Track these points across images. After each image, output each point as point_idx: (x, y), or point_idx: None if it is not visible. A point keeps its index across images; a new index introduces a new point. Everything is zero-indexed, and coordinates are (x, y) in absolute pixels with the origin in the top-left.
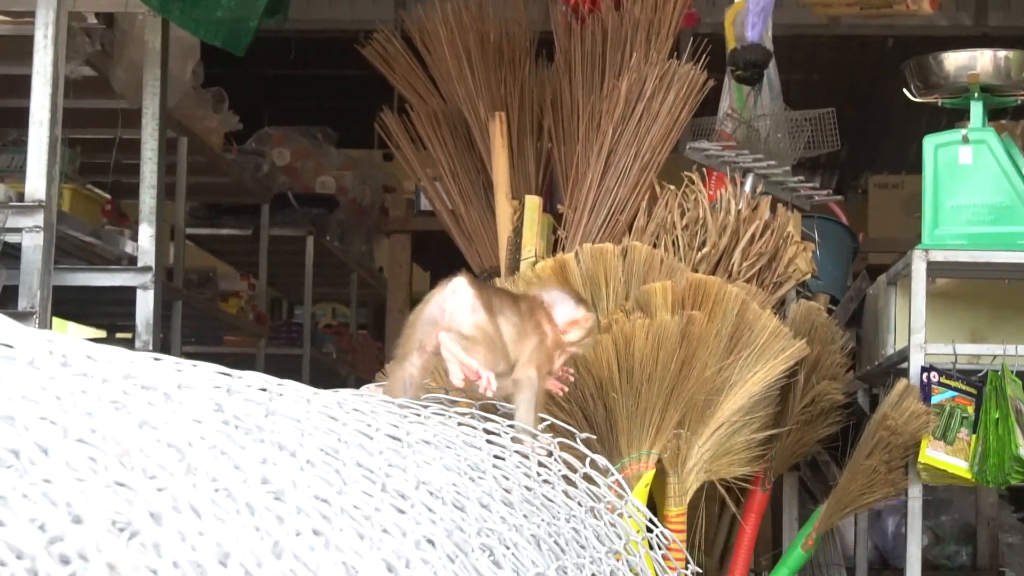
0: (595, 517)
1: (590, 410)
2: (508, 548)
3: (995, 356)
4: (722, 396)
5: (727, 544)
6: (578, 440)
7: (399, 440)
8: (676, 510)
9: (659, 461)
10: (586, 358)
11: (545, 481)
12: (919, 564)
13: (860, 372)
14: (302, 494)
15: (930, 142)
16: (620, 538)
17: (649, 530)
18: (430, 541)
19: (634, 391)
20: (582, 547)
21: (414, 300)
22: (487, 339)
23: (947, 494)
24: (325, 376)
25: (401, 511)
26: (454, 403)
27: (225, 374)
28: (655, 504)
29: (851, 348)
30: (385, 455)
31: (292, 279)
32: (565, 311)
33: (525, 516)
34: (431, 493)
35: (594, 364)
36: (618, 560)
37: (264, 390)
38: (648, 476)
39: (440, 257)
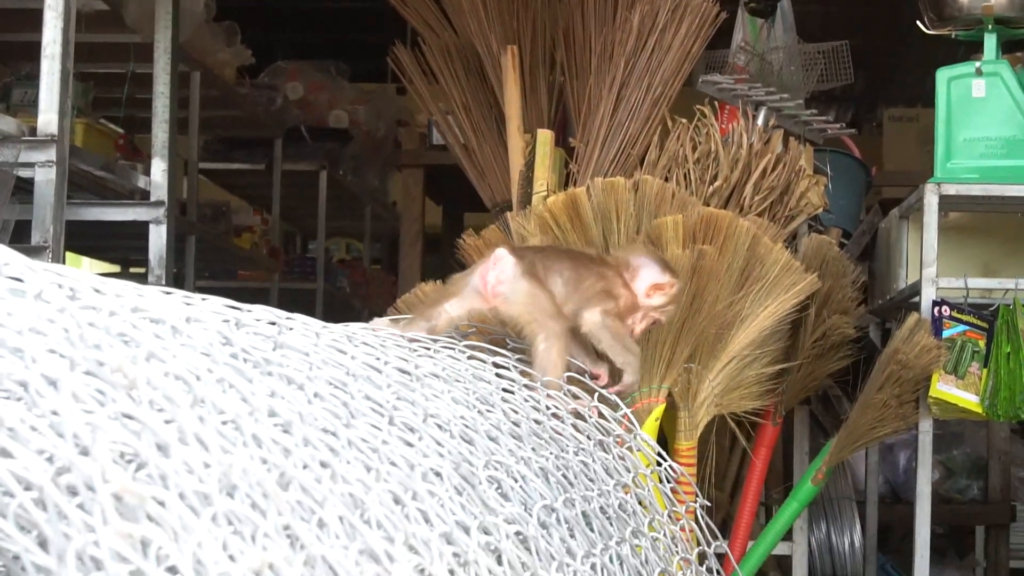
0: (604, 450)
1: None
2: (516, 480)
3: (1007, 290)
4: (733, 330)
5: (738, 477)
6: (587, 376)
7: (408, 373)
8: (687, 444)
9: (670, 395)
10: None
11: (554, 415)
12: (929, 498)
13: (872, 306)
14: (309, 427)
15: (943, 75)
16: (629, 471)
17: (658, 463)
18: (437, 473)
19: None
20: (591, 480)
21: (427, 234)
22: (537, 303)
23: (959, 428)
24: (339, 310)
25: (409, 444)
26: (465, 336)
27: (234, 308)
28: (666, 438)
29: (863, 282)
30: (393, 388)
31: (306, 213)
32: (650, 275)
33: (533, 449)
34: (439, 426)
35: None
36: (627, 493)
37: (273, 324)
38: (659, 410)
39: (453, 191)
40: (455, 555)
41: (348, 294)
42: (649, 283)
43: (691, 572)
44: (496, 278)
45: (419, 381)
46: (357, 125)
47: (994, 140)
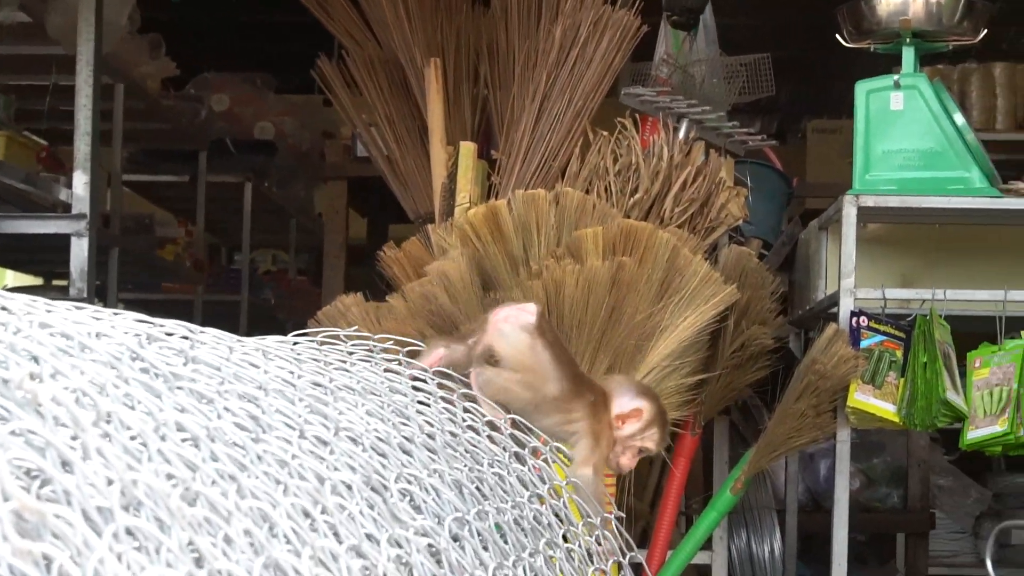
0: (520, 462)
1: None
2: (428, 493)
3: (924, 300)
4: (652, 341)
5: (658, 487)
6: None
7: (322, 387)
8: None
9: None
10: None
11: (470, 427)
12: (846, 506)
13: (792, 317)
14: (218, 442)
15: (862, 87)
16: (544, 482)
17: None
18: (348, 486)
19: (564, 337)
20: (505, 492)
21: (351, 246)
22: (532, 359)
23: (879, 437)
24: (263, 322)
25: (320, 458)
26: (383, 349)
27: (145, 322)
28: None
29: (782, 293)
30: (306, 402)
31: (231, 225)
32: (621, 404)
33: (447, 462)
34: (352, 439)
35: None
36: (542, 504)
37: (185, 338)
38: None
39: (377, 203)
40: (364, 569)
41: (273, 306)
42: (616, 414)
43: None
44: (508, 315)
45: (332, 395)
46: (283, 137)
47: (912, 152)
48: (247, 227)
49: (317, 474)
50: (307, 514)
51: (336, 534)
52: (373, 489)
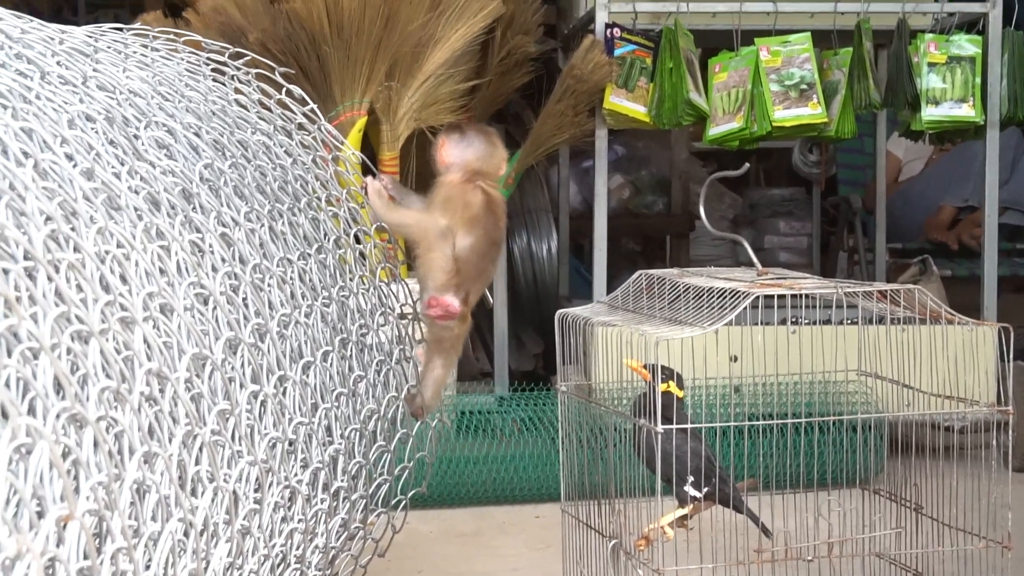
0: (287, 136)
1: (304, 61)
2: (186, 147)
3: (670, 13)
4: (428, 51)
5: None
6: (276, 74)
7: (87, 55)
8: (390, 154)
9: (373, 111)
10: (299, 14)
11: (237, 102)
12: (605, 200)
13: (560, 39)
14: None
15: None
16: (308, 152)
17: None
18: (90, 118)
19: (344, 44)
20: (270, 158)
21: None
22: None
23: (646, 152)
24: None
25: (65, 101)
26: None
27: None
28: (374, 151)
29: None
30: (58, 57)
31: None
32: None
33: (208, 124)
34: (107, 95)
35: (307, 19)
36: (309, 173)
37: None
38: (361, 122)
39: None
40: (108, 200)
41: None
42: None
43: (371, 245)
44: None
45: (92, 57)
46: None
47: None
48: None
49: (58, 109)
50: (47, 147)
51: (70, 159)
52: (125, 137)
